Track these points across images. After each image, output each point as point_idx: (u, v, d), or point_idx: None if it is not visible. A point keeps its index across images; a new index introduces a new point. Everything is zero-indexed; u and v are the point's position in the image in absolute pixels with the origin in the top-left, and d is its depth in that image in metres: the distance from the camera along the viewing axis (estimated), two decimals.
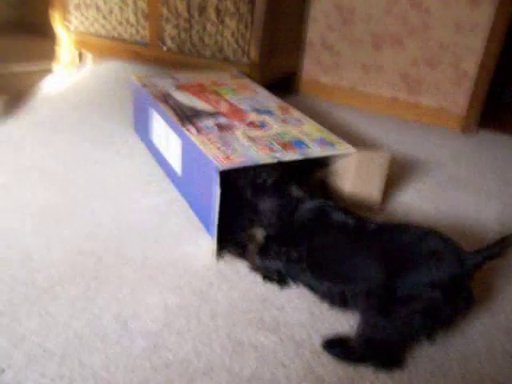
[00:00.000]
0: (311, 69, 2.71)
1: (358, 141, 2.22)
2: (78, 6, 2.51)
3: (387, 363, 1.10)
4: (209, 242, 1.43)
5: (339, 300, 1.19)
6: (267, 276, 1.31)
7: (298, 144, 1.49)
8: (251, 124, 1.61)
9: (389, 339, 1.09)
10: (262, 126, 1.61)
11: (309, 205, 1.29)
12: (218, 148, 1.42)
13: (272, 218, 1.34)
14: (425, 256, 1.07)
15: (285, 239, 1.29)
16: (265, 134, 1.54)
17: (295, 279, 1.30)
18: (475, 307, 1.29)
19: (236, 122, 1.62)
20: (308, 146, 1.48)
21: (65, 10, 2.54)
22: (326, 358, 1.11)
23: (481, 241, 1.58)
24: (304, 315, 1.22)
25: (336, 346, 1.13)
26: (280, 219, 1.32)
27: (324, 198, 1.32)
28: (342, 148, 1.51)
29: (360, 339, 1.12)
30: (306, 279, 1.25)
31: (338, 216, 1.24)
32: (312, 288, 1.26)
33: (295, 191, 1.34)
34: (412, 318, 1.06)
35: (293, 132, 1.58)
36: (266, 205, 1.35)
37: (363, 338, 1.11)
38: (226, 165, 1.32)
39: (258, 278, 1.32)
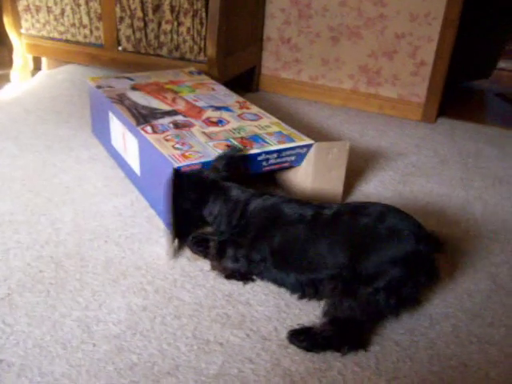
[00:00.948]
0: (270, 64, 2.71)
1: (318, 134, 2.23)
2: (27, 9, 2.45)
3: (353, 344, 1.10)
4: (170, 241, 1.41)
5: (308, 289, 1.20)
6: (229, 275, 1.29)
7: (256, 139, 1.48)
8: (208, 120, 1.60)
9: (353, 318, 1.09)
10: (219, 122, 1.59)
11: (257, 204, 1.27)
12: (174, 146, 1.40)
13: (221, 226, 1.30)
14: (384, 235, 1.09)
15: (241, 242, 1.26)
16: (222, 130, 1.53)
17: (259, 276, 1.29)
18: (440, 289, 1.31)
19: (193, 120, 1.60)
20: (265, 141, 1.48)
21: (15, 14, 2.47)
22: (293, 350, 1.10)
23: (444, 226, 1.60)
24: (270, 309, 1.21)
25: (301, 336, 1.12)
26: (229, 224, 1.28)
27: (269, 193, 1.31)
28: (300, 141, 1.51)
29: (325, 320, 1.12)
30: (272, 275, 1.25)
31: (291, 209, 1.23)
32: (279, 282, 1.25)
33: (237, 193, 1.31)
34: (375, 296, 1.07)
35: (250, 127, 1.57)
36: (210, 211, 1.32)
37: (328, 318, 1.12)
38: (182, 162, 1.30)
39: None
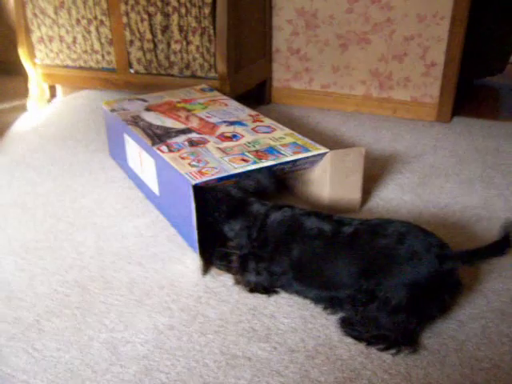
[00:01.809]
0: (281, 76, 2.72)
1: (333, 142, 2.23)
2: (40, 39, 2.51)
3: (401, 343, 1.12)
4: (193, 259, 1.42)
5: (329, 306, 1.21)
6: (252, 289, 1.30)
7: (271, 151, 1.49)
8: (222, 136, 1.61)
9: (386, 336, 1.10)
10: (233, 136, 1.60)
11: (277, 217, 1.27)
12: (190, 163, 1.41)
13: (241, 240, 1.30)
14: (404, 258, 1.08)
15: (262, 256, 1.26)
16: (236, 145, 1.54)
17: (283, 288, 1.29)
18: (467, 290, 1.29)
19: (207, 136, 1.61)
20: (281, 152, 1.48)
21: (30, 46, 2.53)
22: (321, 361, 1.09)
23: (466, 226, 1.58)
24: (295, 320, 1.21)
25: (352, 326, 1.15)
26: (249, 237, 1.29)
27: (288, 206, 1.31)
28: (315, 150, 1.51)
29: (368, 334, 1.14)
30: (294, 288, 1.25)
31: (311, 223, 1.22)
32: (302, 295, 1.26)
33: (257, 207, 1.31)
34: (396, 316, 1.07)
35: (265, 140, 1.57)
36: (231, 228, 1.32)
37: (370, 334, 1.13)
38: (199, 179, 1.31)
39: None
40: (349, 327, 1.15)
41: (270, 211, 1.28)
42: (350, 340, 1.14)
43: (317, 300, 1.22)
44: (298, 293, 1.25)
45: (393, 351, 1.11)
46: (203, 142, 1.57)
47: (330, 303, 1.20)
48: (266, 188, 1.40)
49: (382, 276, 1.08)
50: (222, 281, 1.35)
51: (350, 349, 1.12)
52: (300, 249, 1.20)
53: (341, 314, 1.20)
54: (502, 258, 1.40)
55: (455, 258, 1.09)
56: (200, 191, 1.30)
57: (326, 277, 1.17)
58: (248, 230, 1.29)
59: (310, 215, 1.25)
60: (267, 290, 1.28)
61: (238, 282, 1.32)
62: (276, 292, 1.30)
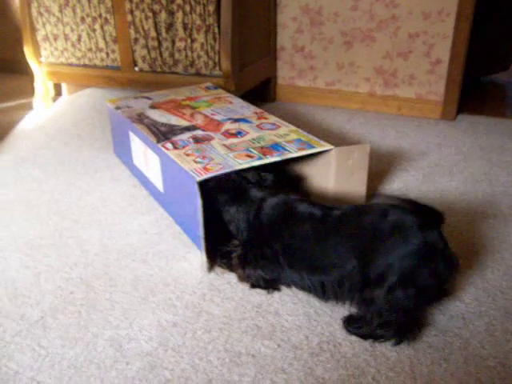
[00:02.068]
0: (286, 73, 2.72)
1: (338, 139, 2.23)
2: (45, 38, 2.51)
3: (403, 333, 1.12)
4: (198, 256, 1.42)
5: (321, 291, 1.20)
6: (254, 284, 1.30)
7: (276, 147, 1.49)
8: (227, 133, 1.61)
9: (391, 319, 1.10)
10: (238, 133, 1.60)
11: (272, 201, 1.30)
12: (195, 160, 1.41)
13: (239, 225, 1.33)
14: (387, 231, 1.09)
15: (258, 241, 1.28)
16: (241, 141, 1.54)
17: (282, 281, 1.29)
18: (471, 288, 1.29)
19: (212, 133, 1.61)
20: (285, 148, 1.48)
21: (35, 44, 2.53)
22: (326, 358, 1.09)
23: (471, 224, 1.58)
24: (299, 318, 1.21)
25: (356, 324, 1.14)
26: (247, 223, 1.31)
27: (284, 193, 1.33)
28: (320, 146, 1.50)
29: (371, 327, 1.13)
30: (290, 278, 1.25)
31: (303, 207, 1.25)
32: (297, 285, 1.26)
33: (254, 192, 1.34)
34: (392, 294, 1.07)
35: (270, 136, 1.57)
36: (230, 214, 1.35)
37: (373, 325, 1.12)
38: (204, 175, 1.31)
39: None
40: (353, 326, 1.15)
41: (267, 196, 1.31)
42: (354, 337, 1.14)
43: (311, 287, 1.21)
44: (294, 281, 1.25)
45: (397, 338, 1.11)
46: (208, 139, 1.57)
47: (322, 289, 1.19)
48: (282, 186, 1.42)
49: (370, 254, 1.09)
50: (227, 278, 1.35)
51: (354, 346, 1.12)
52: (291, 232, 1.22)
53: (341, 311, 1.20)
54: (506, 257, 1.40)
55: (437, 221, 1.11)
56: (203, 183, 1.31)
57: (315, 259, 1.18)
58: (246, 214, 1.31)
59: (303, 201, 1.28)
60: (268, 282, 1.28)
61: (241, 278, 1.32)
62: (278, 289, 1.30)
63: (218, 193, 1.36)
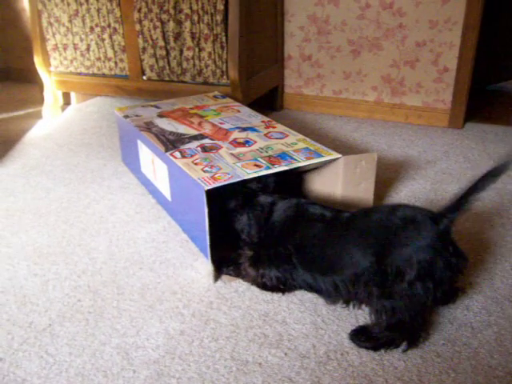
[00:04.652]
0: (293, 82, 2.73)
1: (345, 147, 2.23)
2: (55, 47, 2.54)
3: (411, 339, 1.12)
4: (205, 265, 1.42)
5: (334, 292, 1.20)
6: (267, 284, 1.29)
7: (283, 156, 1.49)
8: (235, 142, 1.61)
9: (404, 317, 1.08)
10: (246, 142, 1.60)
11: (283, 205, 1.33)
12: (203, 169, 1.41)
13: (250, 229, 1.35)
14: (399, 226, 1.10)
15: (270, 242, 1.30)
16: (249, 150, 1.54)
17: (294, 282, 1.28)
18: (480, 297, 1.28)
19: (220, 142, 1.62)
20: (293, 157, 1.48)
21: (45, 54, 2.56)
22: (333, 367, 1.09)
23: (479, 233, 1.57)
24: (306, 326, 1.21)
25: (362, 337, 1.14)
26: (258, 226, 1.34)
27: (292, 197, 1.36)
28: (328, 155, 1.51)
29: (380, 329, 1.11)
30: (301, 278, 1.25)
31: (314, 209, 1.28)
32: (310, 287, 1.26)
33: (263, 198, 1.37)
34: (412, 289, 1.06)
35: (277, 145, 1.58)
36: (242, 222, 1.37)
37: (383, 326, 1.11)
38: (212, 185, 1.32)
39: (257, 295, 1.31)
40: (362, 339, 1.14)
41: (277, 200, 1.35)
42: None
43: (324, 289, 1.21)
44: (307, 283, 1.25)
45: (408, 342, 1.11)
46: (216, 148, 1.57)
47: (335, 289, 1.19)
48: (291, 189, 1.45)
49: (386, 247, 1.09)
50: (234, 287, 1.35)
51: (362, 355, 1.12)
52: (303, 232, 1.25)
53: (348, 319, 1.20)
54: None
55: (446, 213, 1.11)
56: (211, 192, 1.31)
57: (328, 259, 1.19)
58: (257, 219, 1.34)
59: (313, 204, 1.31)
60: (281, 282, 1.28)
61: (253, 280, 1.32)
62: (293, 288, 1.30)
63: (227, 202, 1.38)
